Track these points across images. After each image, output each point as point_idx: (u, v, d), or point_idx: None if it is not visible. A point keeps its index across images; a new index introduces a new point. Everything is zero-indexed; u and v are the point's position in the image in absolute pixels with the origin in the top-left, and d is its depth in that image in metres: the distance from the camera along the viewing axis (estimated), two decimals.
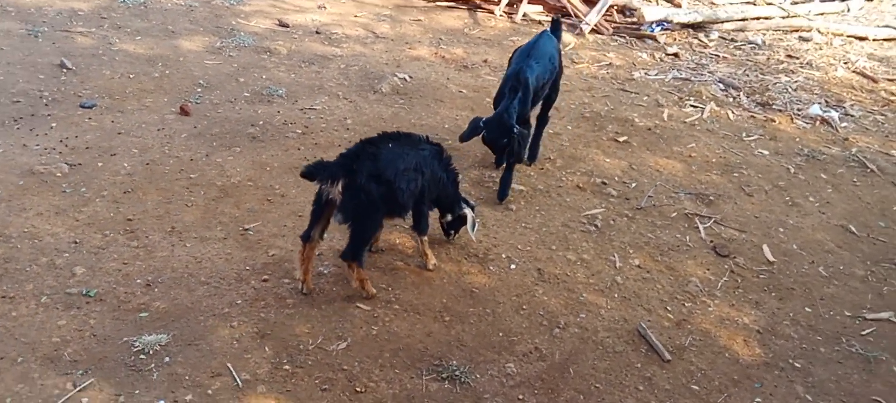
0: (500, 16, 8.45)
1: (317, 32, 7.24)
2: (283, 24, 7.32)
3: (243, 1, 7.99)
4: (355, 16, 7.95)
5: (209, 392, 2.93)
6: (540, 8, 8.75)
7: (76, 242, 3.74)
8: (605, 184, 4.94)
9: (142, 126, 4.99)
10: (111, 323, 3.23)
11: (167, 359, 3.06)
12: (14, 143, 4.57)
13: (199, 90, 5.65)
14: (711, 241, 4.42)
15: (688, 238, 4.43)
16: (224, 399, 2.91)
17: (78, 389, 2.87)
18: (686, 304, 3.84)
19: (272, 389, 2.98)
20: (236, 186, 4.41)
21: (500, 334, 3.47)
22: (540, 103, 4.94)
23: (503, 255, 4.05)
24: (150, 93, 5.49)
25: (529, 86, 4.45)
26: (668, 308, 3.79)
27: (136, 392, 2.89)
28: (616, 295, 3.84)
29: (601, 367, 3.34)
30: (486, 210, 4.47)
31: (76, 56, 5.95)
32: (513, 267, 3.97)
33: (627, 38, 8.31)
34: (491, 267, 3.94)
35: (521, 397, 3.12)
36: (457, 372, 3.17)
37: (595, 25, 8.34)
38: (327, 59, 6.58)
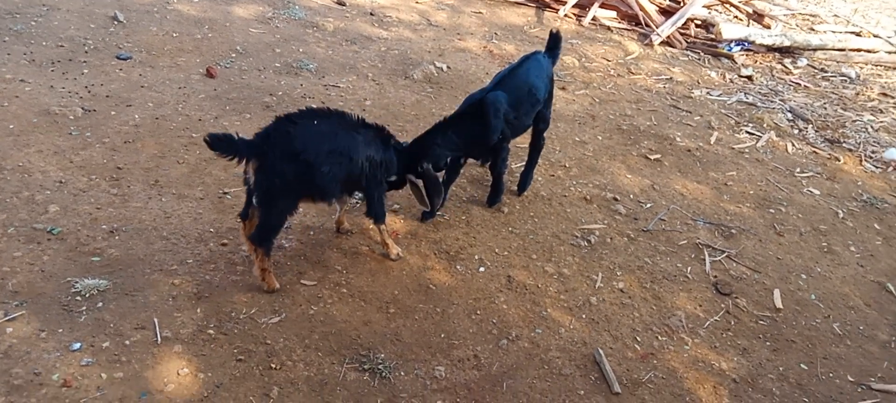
0: (565, 16, 8.14)
1: (371, 14, 7.24)
2: (340, 2, 7.37)
3: None
4: (417, 2, 7.89)
5: (126, 343, 2.93)
6: (613, 14, 8.36)
7: (61, 182, 3.87)
8: (616, 200, 4.62)
9: (166, 82, 5.13)
10: (62, 262, 3.31)
11: (100, 305, 3.09)
12: (43, 84, 4.81)
13: (234, 56, 5.76)
14: (715, 276, 4.03)
15: (689, 269, 4.06)
16: (137, 352, 2.90)
17: (6, 318, 2.94)
18: (660, 337, 3.50)
19: (188, 350, 2.95)
20: None
21: (442, 335, 3.29)
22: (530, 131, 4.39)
23: (476, 256, 3.85)
24: (186, 53, 5.64)
25: (491, 120, 3.84)
26: (639, 338, 3.47)
27: (59, 330, 2.94)
28: (584, 316, 3.56)
29: (539, 387, 3.09)
30: (473, 209, 4.28)
31: (131, 11, 6.21)
32: (482, 269, 3.76)
33: (701, 54, 7.80)
34: (458, 267, 3.75)
35: (439, 402, 2.94)
36: (380, 366, 3.03)
37: (667, 37, 7.88)
38: (370, 40, 6.56)
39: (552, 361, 3.25)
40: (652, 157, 5.27)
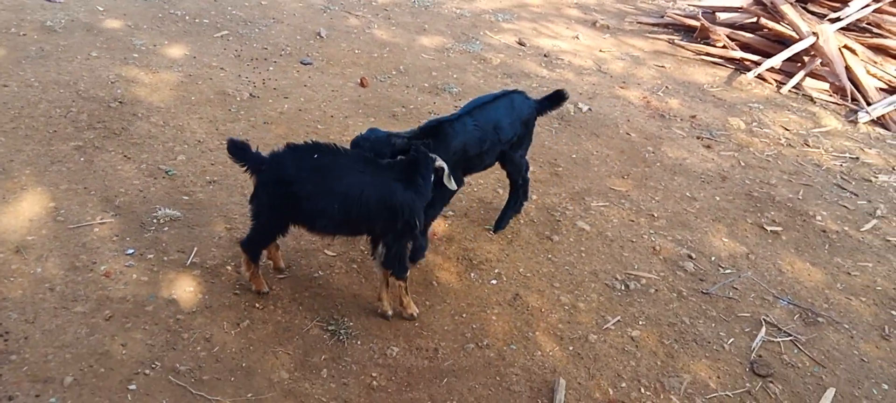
0: (758, 78, 7.51)
1: (544, 55, 7.51)
2: (521, 43, 7.77)
3: (512, 19, 8.67)
4: (600, 50, 7.96)
5: (165, 259, 3.66)
6: (824, 85, 7.49)
7: (200, 141, 4.85)
8: (690, 257, 4.30)
9: (324, 85, 6.02)
10: (161, 195, 4.19)
11: (166, 228, 3.89)
12: (234, 73, 5.99)
13: (394, 73, 6.49)
14: (759, 356, 3.57)
15: (731, 341, 3.65)
16: (168, 268, 3.60)
17: (99, 221, 3.86)
18: (644, 391, 3.26)
19: (202, 276, 3.57)
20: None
21: (417, 325, 3.48)
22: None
23: (495, 270, 3.94)
24: (355, 66, 6.52)
25: (449, 143, 3.57)
26: (619, 385, 3.27)
27: (127, 238, 3.77)
28: (570, 348, 3.45)
29: (478, 392, 3.13)
30: (525, 230, 4.34)
31: (336, 30, 7.33)
32: (493, 282, 3.85)
33: None
34: (471, 274, 3.89)
35: (373, 375, 3.15)
36: (342, 331, 3.34)
37: (880, 117, 6.85)
38: (527, 76, 6.84)
39: (508, 376, 3.24)
40: (769, 228, 4.74)
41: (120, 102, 5.15)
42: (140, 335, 3.17)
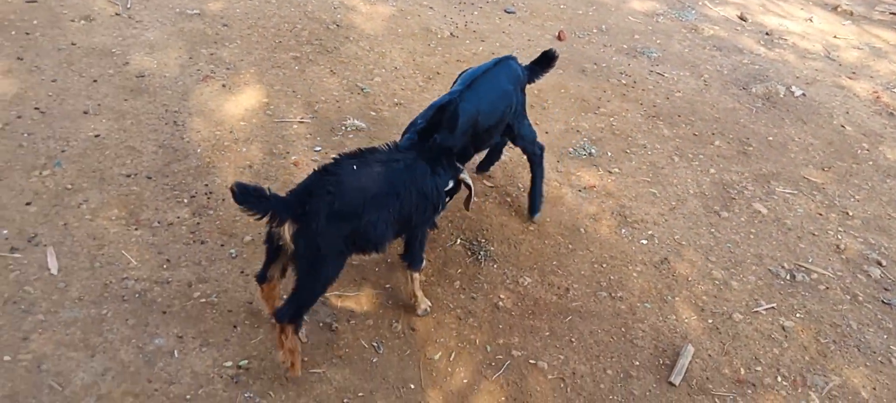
0: None
1: (766, 33, 6.93)
2: (742, 18, 7.24)
3: None
4: (835, 36, 7.15)
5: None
6: None
7: (396, 68, 5.23)
8: (880, 264, 3.86)
9: (521, 34, 6.14)
10: (354, 107, 4.63)
11: (350, 136, 4.32)
12: (441, 13, 6.32)
13: (595, 31, 6.42)
14: None
15: None
16: None
17: (297, 120, 4.38)
18: (780, 380, 3.05)
19: None
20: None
21: (555, 262, 3.55)
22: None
23: (649, 231, 3.86)
24: (557, 20, 6.55)
25: (456, 124, 3.13)
26: (754, 368, 3.09)
27: (317, 138, 4.25)
28: (710, 321, 3.31)
29: (599, 338, 3.14)
30: (693, 199, 4.17)
31: None
32: (643, 241, 3.77)
33: None
34: (623, 230, 3.84)
35: (501, 297, 3.30)
36: (482, 252, 3.52)
37: None
38: (739, 52, 6.38)
39: (634, 329, 3.21)
40: None
41: (337, 25, 5.70)
42: None
